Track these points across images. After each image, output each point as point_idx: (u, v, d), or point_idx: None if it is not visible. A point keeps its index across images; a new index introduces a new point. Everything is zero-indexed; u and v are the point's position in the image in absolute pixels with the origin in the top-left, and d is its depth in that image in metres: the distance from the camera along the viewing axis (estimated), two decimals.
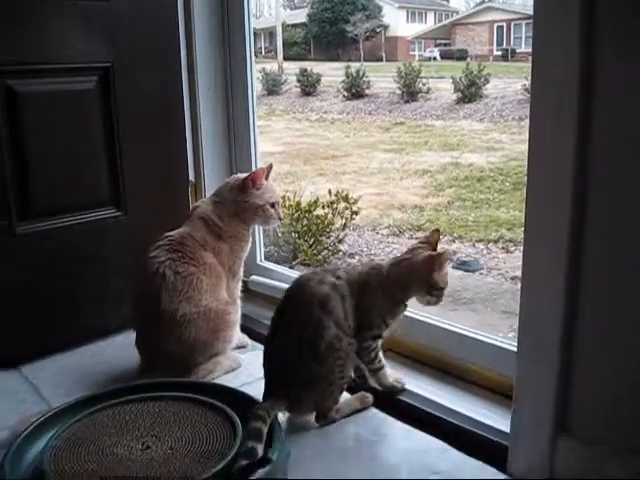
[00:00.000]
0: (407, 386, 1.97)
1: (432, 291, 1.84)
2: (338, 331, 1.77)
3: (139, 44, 2.40)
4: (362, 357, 1.88)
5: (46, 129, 2.24)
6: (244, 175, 2.28)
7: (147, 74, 2.44)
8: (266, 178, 2.28)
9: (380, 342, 1.89)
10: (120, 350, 2.30)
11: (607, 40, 1.36)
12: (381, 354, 1.92)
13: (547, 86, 1.45)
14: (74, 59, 2.27)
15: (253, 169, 2.66)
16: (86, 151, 2.35)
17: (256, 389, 1.92)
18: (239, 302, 2.29)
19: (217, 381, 2.08)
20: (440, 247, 1.91)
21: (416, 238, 6.68)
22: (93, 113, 2.34)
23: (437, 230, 1.96)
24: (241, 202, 2.23)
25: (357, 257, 6.32)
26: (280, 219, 2.31)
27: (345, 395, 1.89)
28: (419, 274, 1.83)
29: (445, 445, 1.76)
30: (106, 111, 2.35)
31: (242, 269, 2.30)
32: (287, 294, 1.88)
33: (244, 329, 2.37)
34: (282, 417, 1.82)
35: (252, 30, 2.69)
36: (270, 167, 2.31)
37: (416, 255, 1.87)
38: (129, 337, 2.17)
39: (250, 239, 2.31)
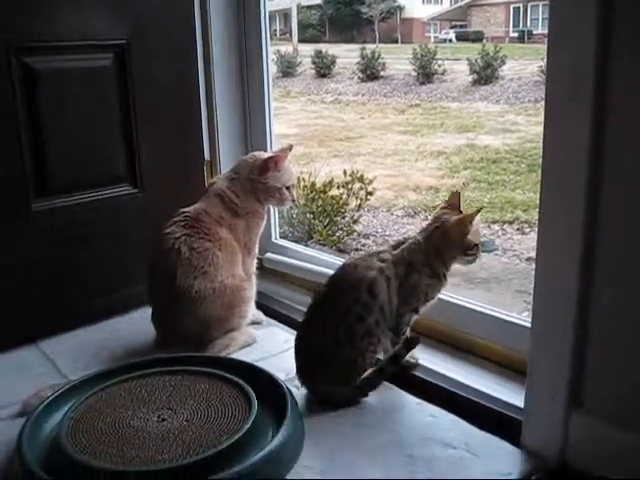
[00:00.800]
0: (421, 361, 1.97)
1: (468, 251, 1.86)
2: (379, 316, 1.79)
3: (155, 22, 2.40)
4: (397, 329, 1.88)
5: (63, 106, 2.25)
6: (264, 155, 2.28)
7: (163, 52, 2.44)
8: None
9: (415, 317, 1.91)
10: (137, 325, 2.32)
11: (624, 22, 1.34)
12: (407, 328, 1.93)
13: (563, 68, 1.43)
14: (91, 35, 2.27)
15: (269, 149, 2.67)
16: (103, 128, 2.36)
17: (271, 364, 1.95)
18: (254, 278, 2.29)
19: (232, 356, 2.10)
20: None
21: None
22: (110, 90, 2.35)
23: (457, 192, 1.96)
24: (258, 182, 2.23)
25: (372, 238, 6.31)
26: (293, 201, 2.32)
27: None
28: (453, 238, 1.85)
29: (458, 419, 1.76)
30: (122, 88, 2.36)
31: (257, 246, 2.31)
32: (331, 280, 1.88)
33: (259, 306, 2.38)
34: (298, 393, 1.84)
35: (267, 12, 2.67)
36: (290, 148, 2.29)
37: (445, 222, 1.87)
38: (146, 313, 2.19)
39: (265, 216, 2.32)
